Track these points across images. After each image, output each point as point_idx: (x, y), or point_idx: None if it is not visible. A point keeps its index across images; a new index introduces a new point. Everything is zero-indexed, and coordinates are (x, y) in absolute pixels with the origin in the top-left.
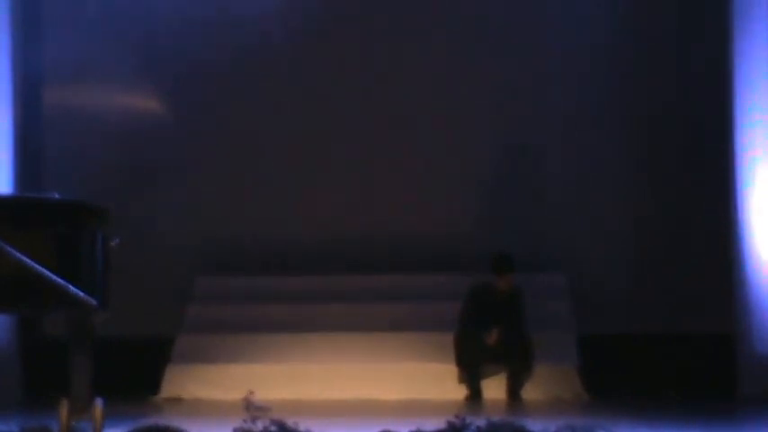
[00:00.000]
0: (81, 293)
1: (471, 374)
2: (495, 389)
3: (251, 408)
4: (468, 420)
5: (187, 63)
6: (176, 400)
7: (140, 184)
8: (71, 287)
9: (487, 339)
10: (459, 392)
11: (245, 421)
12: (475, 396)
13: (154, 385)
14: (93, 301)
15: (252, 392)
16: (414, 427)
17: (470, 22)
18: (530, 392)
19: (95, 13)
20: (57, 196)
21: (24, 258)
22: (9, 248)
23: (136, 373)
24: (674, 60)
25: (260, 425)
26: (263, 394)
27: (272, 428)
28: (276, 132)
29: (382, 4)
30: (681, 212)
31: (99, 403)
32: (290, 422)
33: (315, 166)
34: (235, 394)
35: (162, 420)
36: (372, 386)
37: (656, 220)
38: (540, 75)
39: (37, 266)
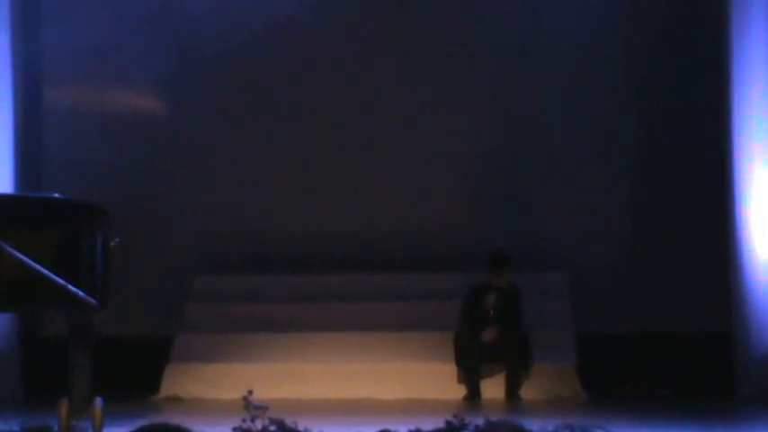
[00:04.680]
0: (81, 293)
1: (471, 374)
2: (493, 388)
3: (250, 407)
4: (466, 420)
5: (187, 62)
6: (176, 400)
7: (140, 183)
8: (71, 286)
9: (485, 336)
10: (458, 392)
11: (244, 420)
12: (474, 396)
13: (153, 385)
14: (93, 301)
15: (251, 392)
16: (413, 427)
17: (467, 19)
18: (528, 392)
19: (96, 12)
20: (56, 196)
21: (24, 258)
22: (9, 248)
23: (135, 372)
24: (673, 61)
25: (259, 424)
26: (263, 393)
27: (272, 428)
28: (276, 132)
29: (381, 5)
30: (679, 212)
31: (99, 402)
32: (289, 421)
33: (315, 166)
34: (234, 393)
35: (162, 419)
36: (372, 386)
37: (655, 220)
38: (539, 75)
39: (37, 266)
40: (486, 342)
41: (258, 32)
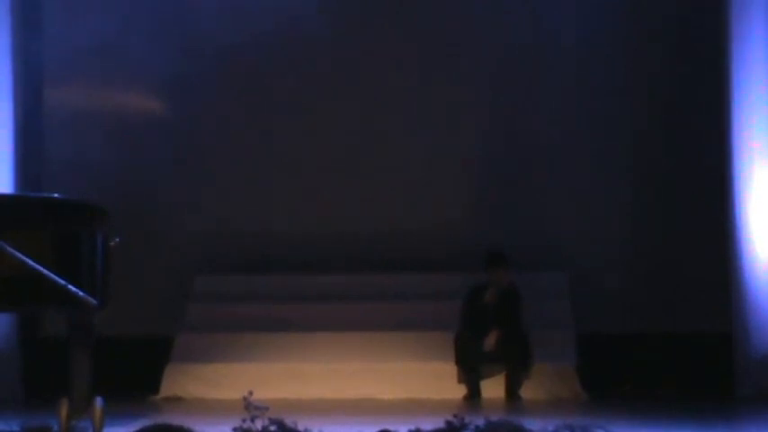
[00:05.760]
0: (81, 293)
1: (471, 374)
2: (493, 388)
3: (250, 407)
4: (466, 420)
5: (187, 62)
6: (176, 400)
7: (140, 183)
8: (71, 286)
9: (486, 345)
10: (458, 392)
11: (244, 421)
12: (474, 395)
13: (153, 385)
14: (93, 301)
15: (251, 392)
16: (413, 427)
17: (467, 19)
18: (528, 392)
19: (96, 12)
20: (56, 196)
21: (25, 258)
22: (9, 248)
23: (136, 372)
24: (673, 61)
25: (259, 424)
26: (263, 394)
27: (272, 428)
28: (276, 132)
29: (381, 5)
30: (679, 212)
31: (99, 402)
32: (289, 421)
33: (315, 166)
34: (234, 394)
35: (162, 419)
36: (371, 385)
37: (654, 220)
38: (539, 75)
39: (37, 266)
40: (486, 348)
41: (258, 32)
